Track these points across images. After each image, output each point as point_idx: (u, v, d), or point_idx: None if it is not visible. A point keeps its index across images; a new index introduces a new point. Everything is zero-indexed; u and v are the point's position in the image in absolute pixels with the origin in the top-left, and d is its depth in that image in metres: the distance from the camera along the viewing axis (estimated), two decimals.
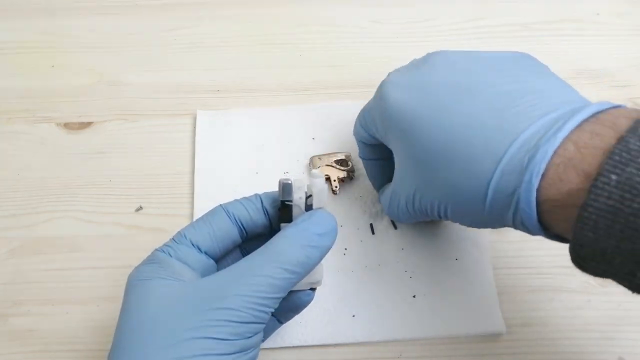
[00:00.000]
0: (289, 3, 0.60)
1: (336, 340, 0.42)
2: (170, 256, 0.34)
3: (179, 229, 0.46)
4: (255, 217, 0.36)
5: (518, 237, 0.46)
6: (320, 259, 0.34)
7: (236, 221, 0.35)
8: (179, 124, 0.52)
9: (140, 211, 0.48)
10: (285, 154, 0.50)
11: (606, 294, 0.43)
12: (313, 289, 0.37)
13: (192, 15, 0.59)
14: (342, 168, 0.48)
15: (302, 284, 0.35)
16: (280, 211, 0.34)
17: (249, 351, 0.31)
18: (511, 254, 0.46)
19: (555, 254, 0.45)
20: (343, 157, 0.49)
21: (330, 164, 0.48)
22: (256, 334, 0.32)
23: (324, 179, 0.34)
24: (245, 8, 0.60)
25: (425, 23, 0.58)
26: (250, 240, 0.37)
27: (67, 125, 0.52)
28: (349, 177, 0.48)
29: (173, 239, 0.35)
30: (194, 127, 0.52)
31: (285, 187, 0.34)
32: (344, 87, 0.54)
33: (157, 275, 0.33)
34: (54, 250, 0.46)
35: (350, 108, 0.52)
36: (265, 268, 0.31)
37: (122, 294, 0.43)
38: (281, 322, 0.38)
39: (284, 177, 0.34)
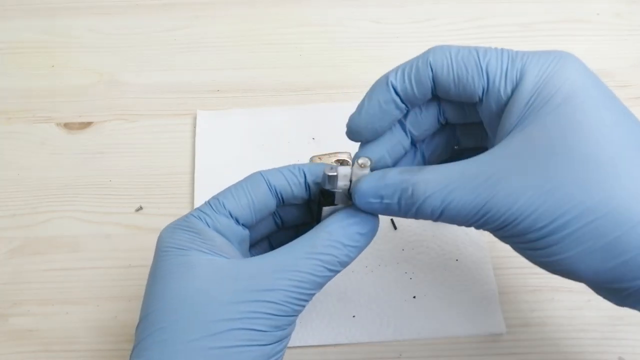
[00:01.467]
0: (289, 3, 0.60)
1: (336, 340, 0.42)
2: (209, 226, 0.33)
3: None
4: (297, 191, 0.34)
5: None
6: (357, 256, 0.33)
7: (276, 193, 0.34)
8: (179, 124, 0.52)
9: (140, 211, 0.48)
10: (285, 154, 0.50)
11: None
12: None
13: (192, 15, 0.59)
14: None
15: None
16: (323, 196, 0.33)
17: (284, 340, 0.32)
18: (511, 254, 0.45)
19: None
20: (344, 157, 0.48)
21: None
22: (291, 324, 0.32)
23: (369, 170, 0.33)
24: (245, 8, 0.60)
25: (425, 23, 0.58)
26: (284, 205, 0.36)
27: (67, 125, 0.52)
28: None
29: (210, 204, 0.34)
30: (194, 127, 0.52)
31: (330, 179, 0.32)
32: (344, 87, 0.54)
33: (196, 247, 0.32)
34: (53, 250, 0.46)
35: (351, 109, 0.52)
36: (309, 265, 0.31)
37: (122, 294, 0.44)
38: None
39: (327, 166, 0.33)
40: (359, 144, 0.43)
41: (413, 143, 0.35)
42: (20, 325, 0.43)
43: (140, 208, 0.48)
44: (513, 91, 0.30)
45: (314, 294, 0.32)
